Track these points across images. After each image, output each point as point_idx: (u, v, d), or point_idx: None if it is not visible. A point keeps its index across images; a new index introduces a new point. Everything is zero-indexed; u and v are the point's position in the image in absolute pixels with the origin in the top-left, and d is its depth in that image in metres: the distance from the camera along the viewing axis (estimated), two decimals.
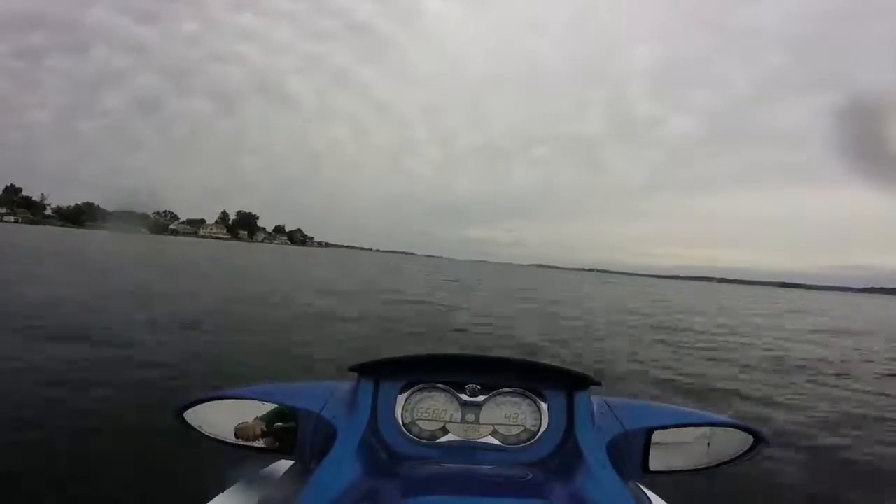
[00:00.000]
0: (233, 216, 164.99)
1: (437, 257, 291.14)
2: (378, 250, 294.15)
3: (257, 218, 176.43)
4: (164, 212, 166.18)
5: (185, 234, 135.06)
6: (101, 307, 8.26)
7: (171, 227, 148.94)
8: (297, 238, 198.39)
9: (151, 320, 7.07)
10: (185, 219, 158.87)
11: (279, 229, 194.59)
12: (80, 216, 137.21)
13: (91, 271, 14.97)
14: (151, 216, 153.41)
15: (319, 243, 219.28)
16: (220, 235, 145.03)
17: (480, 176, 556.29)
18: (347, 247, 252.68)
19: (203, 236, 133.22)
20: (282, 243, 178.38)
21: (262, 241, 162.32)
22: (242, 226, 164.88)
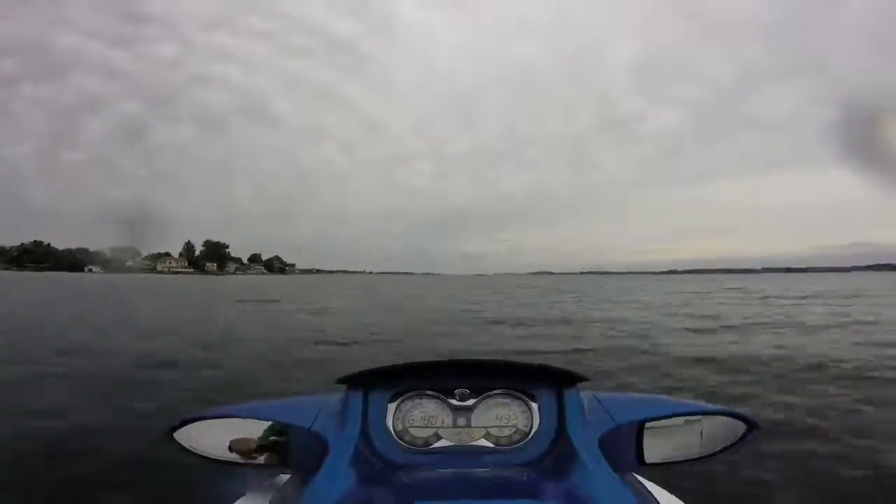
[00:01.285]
0: (200, 248, 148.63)
1: (435, 274, 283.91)
2: (372, 272, 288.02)
3: (227, 247, 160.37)
4: (124, 247, 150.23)
5: (141, 270, 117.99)
6: None
7: (128, 263, 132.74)
8: (276, 266, 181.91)
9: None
10: (147, 254, 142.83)
11: (255, 258, 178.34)
12: (22, 257, 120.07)
13: None
14: (108, 252, 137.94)
15: (308, 270, 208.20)
16: (181, 269, 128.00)
17: (473, 186, 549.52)
18: (341, 271, 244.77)
19: (161, 272, 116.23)
20: (257, 273, 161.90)
21: (233, 273, 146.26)
22: (211, 257, 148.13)
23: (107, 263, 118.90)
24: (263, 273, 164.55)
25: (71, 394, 4.95)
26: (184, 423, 0.87)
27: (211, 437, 0.87)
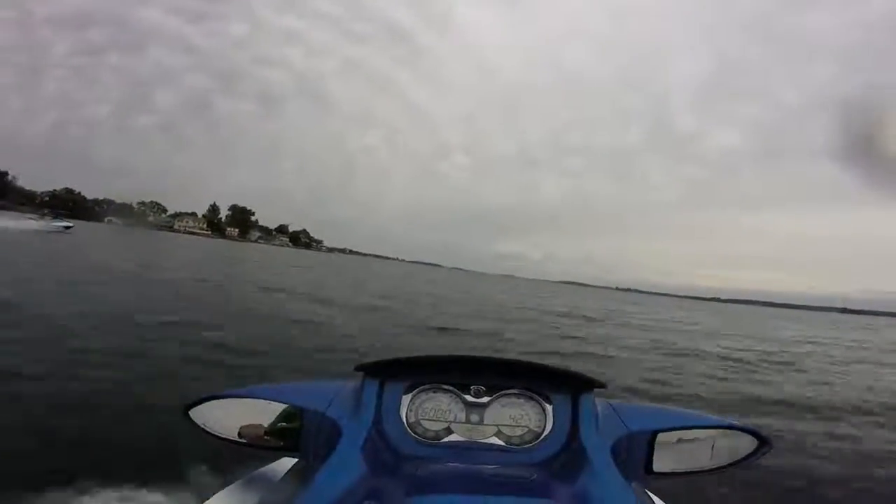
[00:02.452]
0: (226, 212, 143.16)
1: (465, 270, 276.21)
2: (404, 260, 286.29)
3: (252, 214, 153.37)
4: (151, 202, 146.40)
5: (160, 227, 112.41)
6: None
7: (150, 219, 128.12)
8: (302, 240, 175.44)
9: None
10: (172, 212, 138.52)
11: (282, 229, 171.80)
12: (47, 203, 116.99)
13: None
14: (134, 206, 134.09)
15: (340, 249, 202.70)
16: (197, 230, 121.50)
17: (512, 186, 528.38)
18: (374, 255, 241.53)
19: (176, 230, 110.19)
20: (282, 245, 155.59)
21: (255, 241, 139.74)
22: (235, 222, 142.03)
23: (128, 216, 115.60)
24: (287, 245, 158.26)
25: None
26: (200, 401, 0.88)
27: (225, 417, 0.88)
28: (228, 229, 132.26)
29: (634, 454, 0.85)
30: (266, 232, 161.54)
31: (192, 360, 5.60)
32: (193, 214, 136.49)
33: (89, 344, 5.76)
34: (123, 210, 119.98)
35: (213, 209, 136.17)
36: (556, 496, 0.69)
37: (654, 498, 0.88)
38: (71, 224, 43.46)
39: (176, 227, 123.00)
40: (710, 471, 0.87)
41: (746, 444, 0.87)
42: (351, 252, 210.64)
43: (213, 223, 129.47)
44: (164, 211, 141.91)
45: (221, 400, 0.90)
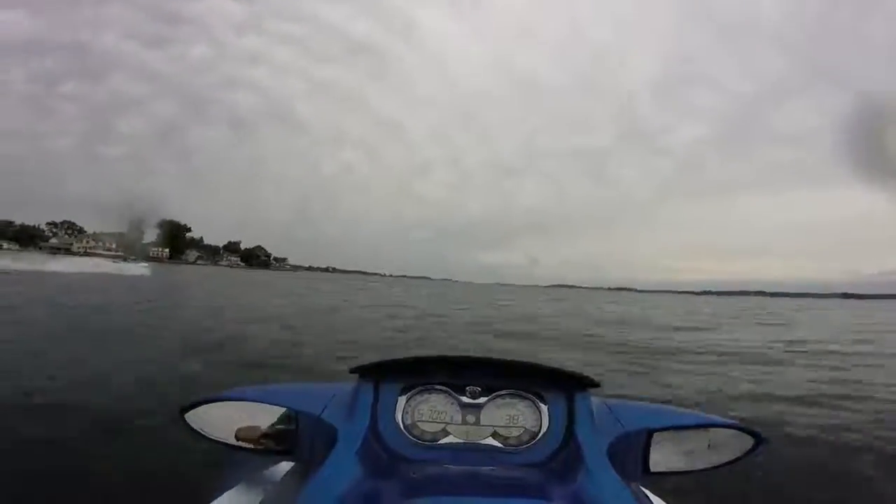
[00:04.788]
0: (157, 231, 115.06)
1: (453, 281, 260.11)
2: (390, 275, 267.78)
3: (189, 230, 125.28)
4: (64, 222, 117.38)
5: (51, 249, 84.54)
6: None
7: (53, 240, 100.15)
8: (259, 259, 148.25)
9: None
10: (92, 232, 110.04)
11: (231, 247, 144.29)
12: None
13: None
14: (43, 227, 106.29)
15: (325, 268, 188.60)
16: (99, 251, 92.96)
17: (490, 195, 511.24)
18: (357, 272, 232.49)
19: (75, 253, 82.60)
20: (229, 265, 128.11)
21: (192, 263, 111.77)
22: (168, 241, 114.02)
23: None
24: (236, 266, 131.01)
25: None
26: (195, 404, 0.86)
27: (221, 420, 0.86)
28: (154, 250, 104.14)
29: (630, 453, 0.84)
30: (211, 251, 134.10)
31: None
32: (121, 234, 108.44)
33: None
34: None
35: (134, 226, 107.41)
36: (554, 497, 0.69)
37: (651, 496, 0.87)
38: None
39: (75, 248, 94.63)
40: (707, 470, 0.87)
41: (742, 442, 0.87)
42: (334, 270, 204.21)
43: (129, 244, 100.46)
44: (81, 231, 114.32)
45: (217, 403, 0.87)
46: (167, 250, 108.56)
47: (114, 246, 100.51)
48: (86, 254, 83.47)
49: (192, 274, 48.18)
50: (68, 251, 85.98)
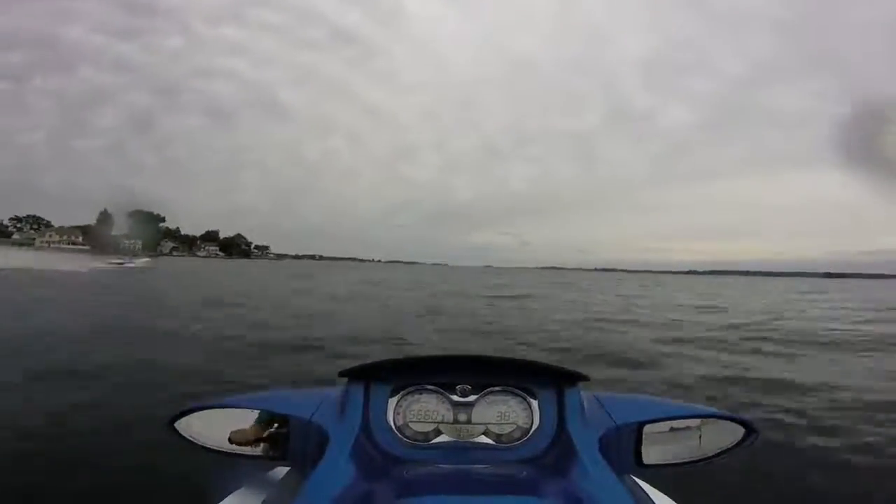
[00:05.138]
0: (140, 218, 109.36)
1: (443, 265, 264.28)
2: (380, 261, 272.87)
3: (162, 219, 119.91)
4: (29, 216, 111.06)
5: (20, 244, 79.11)
6: None
7: (15, 236, 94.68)
8: (239, 248, 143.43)
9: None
10: (59, 225, 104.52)
11: (209, 236, 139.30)
12: None
13: None
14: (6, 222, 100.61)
15: (312, 256, 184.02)
16: (62, 245, 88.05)
17: (479, 179, 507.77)
18: (349, 259, 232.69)
19: (39, 248, 77.58)
20: (208, 256, 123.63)
21: (167, 254, 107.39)
22: (139, 232, 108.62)
23: None
24: (215, 256, 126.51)
25: None
26: (184, 413, 0.86)
27: (211, 428, 0.86)
28: (124, 242, 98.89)
29: (622, 446, 0.84)
30: (186, 242, 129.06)
31: None
32: (87, 227, 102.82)
33: None
34: None
35: (104, 217, 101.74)
36: (547, 493, 0.69)
37: (644, 486, 0.88)
38: None
39: (38, 244, 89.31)
40: (699, 461, 0.87)
41: (733, 433, 0.87)
42: (321, 258, 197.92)
43: (96, 237, 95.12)
44: (48, 226, 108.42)
45: (206, 411, 0.87)
46: (139, 242, 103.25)
47: (80, 239, 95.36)
48: (50, 247, 78.60)
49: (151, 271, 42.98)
50: (32, 246, 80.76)
